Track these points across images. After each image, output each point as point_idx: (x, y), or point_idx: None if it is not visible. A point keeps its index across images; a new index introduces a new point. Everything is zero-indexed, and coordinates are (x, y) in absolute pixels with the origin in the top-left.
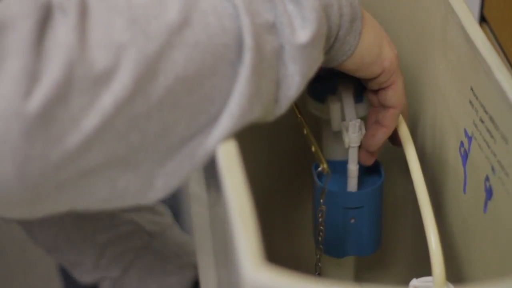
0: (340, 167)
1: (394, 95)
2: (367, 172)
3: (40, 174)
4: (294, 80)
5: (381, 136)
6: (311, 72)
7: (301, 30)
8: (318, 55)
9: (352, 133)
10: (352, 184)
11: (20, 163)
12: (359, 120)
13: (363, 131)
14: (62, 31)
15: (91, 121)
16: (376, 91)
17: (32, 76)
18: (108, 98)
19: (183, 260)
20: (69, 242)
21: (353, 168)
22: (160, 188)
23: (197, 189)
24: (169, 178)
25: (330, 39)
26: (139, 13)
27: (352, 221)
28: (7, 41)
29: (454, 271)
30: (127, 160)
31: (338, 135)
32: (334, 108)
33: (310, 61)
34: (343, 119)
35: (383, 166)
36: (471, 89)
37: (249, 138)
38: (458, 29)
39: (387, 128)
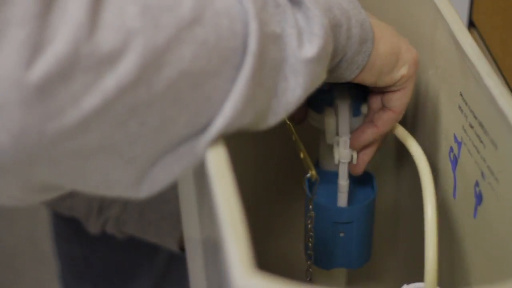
0: (334, 178)
1: (400, 99)
2: (359, 184)
3: (34, 146)
4: (295, 93)
5: (369, 134)
6: (313, 87)
7: (308, 44)
8: (321, 72)
9: (342, 149)
10: (342, 199)
11: (15, 133)
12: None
13: None
14: (74, 7)
15: (91, 101)
16: (383, 93)
17: (36, 47)
18: (111, 81)
19: None
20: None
21: (343, 184)
22: (146, 187)
23: (187, 194)
24: (156, 180)
25: (335, 58)
26: (153, 3)
27: (342, 234)
28: (10, 12)
29: (444, 276)
30: (123, 151)
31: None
32: (329, 121)
33: (313, 76)
34: (337, 132)
35: (375, 179)
36: (461, 94)
37: (239, 143)
38: (447, 34)
39: (378, 129)
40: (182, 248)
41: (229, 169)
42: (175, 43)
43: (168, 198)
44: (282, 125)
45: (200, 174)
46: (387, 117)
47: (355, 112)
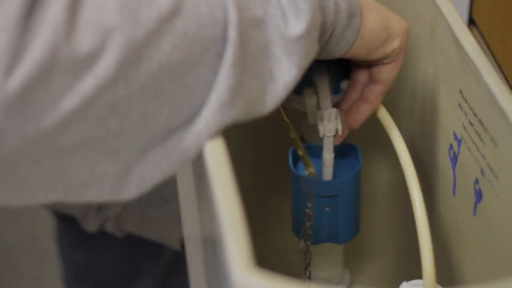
0: (318, 152)
1: (390, 71)
2: (344, 156)
3: (15, 147)
4: (291, 72)
5: (364, 111)
6: (307, 63)
7: (295, 21)
8: (313, 46)
9: (327, 123)
10: (327, 172)
11: None
12: (334, 109)
13: (339, 120)
14: (53, 9)
15: (70, 102)
16: (369, 66)
17: (16, 53)
18: (90, 81)
19: None
20: None
21: (328, 157)
22: (136, 182)
23: (186, 192)
24: (145, 175)
25: (325, 33)
26: None
27: (327, 209)
28: None
29: (443, 274)
30: (105, 145)
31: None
32: (310, 102)
33: (306, 52)
34: (318, 108)
35: (360, 152)
36: (460, 92)
37: (238, 139)
38: (447, 32)
39: (371, 104)
40: (184, 246)
41: (228, 166)
42: (154, 37)
43: (168, 196)
44: (281, 119)
45: (200, 171)
46: (378, 90)
47: (335, 89)
